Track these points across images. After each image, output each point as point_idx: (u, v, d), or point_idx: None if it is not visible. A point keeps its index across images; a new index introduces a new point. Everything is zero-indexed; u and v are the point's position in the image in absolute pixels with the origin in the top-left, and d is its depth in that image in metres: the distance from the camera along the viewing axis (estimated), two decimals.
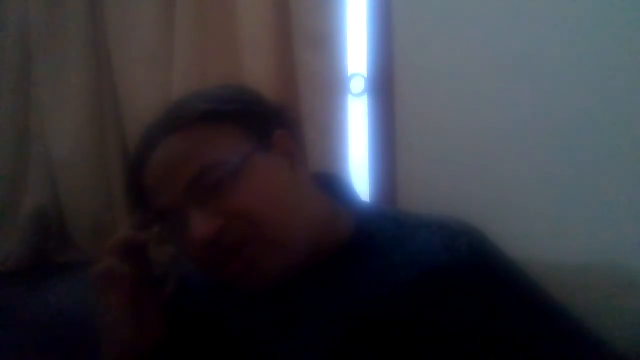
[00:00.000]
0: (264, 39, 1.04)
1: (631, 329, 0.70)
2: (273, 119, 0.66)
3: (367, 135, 1.09)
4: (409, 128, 1.06)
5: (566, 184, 0.94)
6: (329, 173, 0.75)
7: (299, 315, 0.63)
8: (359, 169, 1.09)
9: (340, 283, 0.63)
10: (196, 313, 0.70)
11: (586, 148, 0.92)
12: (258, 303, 0.66)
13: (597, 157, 0.92)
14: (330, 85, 1.02)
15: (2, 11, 1.22)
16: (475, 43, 1.01)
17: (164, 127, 0.62)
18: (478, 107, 1.01)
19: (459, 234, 0.64)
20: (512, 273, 0.64)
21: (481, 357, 0.59)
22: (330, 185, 0.71)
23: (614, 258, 0.84)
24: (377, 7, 1.07)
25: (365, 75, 1.09)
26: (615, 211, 0.90)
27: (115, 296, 0.61)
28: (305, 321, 0.63)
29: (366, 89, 1.09)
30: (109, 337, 0.62)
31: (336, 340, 0.61)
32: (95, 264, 0.63)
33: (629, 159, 0.89)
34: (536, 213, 0.95)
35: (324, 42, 1.01)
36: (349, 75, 1.06)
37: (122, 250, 0.63)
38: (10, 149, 1.23)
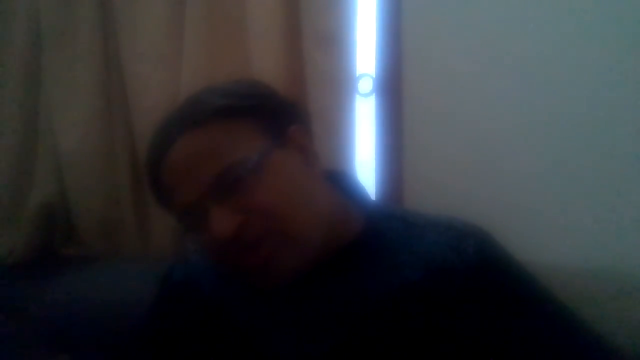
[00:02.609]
0: (273, 37, 1.04)
1: (633, 332, 0.70)
2: (288, 114, 0.66)
3: (375, 135, 1.09)
4: (416, 128, 1.06)
5: (571, 187, 0.94)
6: (339, 171, 0.75)
7: (306, 310, 0.64)
8: (366, 169, 1.09)
9: (347, 280, 0.64)
10: (204, 306, 0.70)
11: (591, 151, 0.93)
12: (266, 297, 0.66)
13: (601, 161, 0.92)
14: (339, 85, 1.02)
15: (13, 6, 1.23)
16: (483, 44, 1.01)
17: (181, 122, 0.62)
18: (485, 108, 1.01)
19: (467, 235, 0.65)
20: (518, 275, 0.65)
21: (486, 358, 0.59)
22: (340, 183, 0.72)
23: (617, 261, 0.84)
24: (387, 8, 1.07)
25: (374, 76, 1.09)
26: (619, 215, 0.90)
27: None
28: (312, 316, 0.63)
29: (374, 90, 1.09)
30: None
31: (341, 336, 0.61)
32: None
33: (633, 162, 0.89)
34: (541, 215, 0.95)
35: (333, 41, 1.02)
36: (357, 75, 1.07)
37: None
38: (18, 143, 1.23)
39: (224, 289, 0.70)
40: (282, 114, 0.66)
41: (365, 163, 1.09)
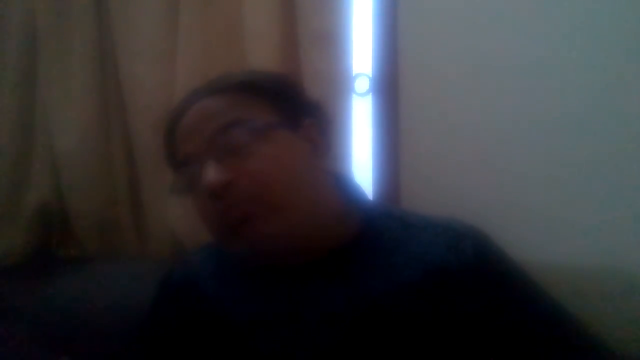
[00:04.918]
0: (269, 36, 1.04)
1: (631, 332, 0.70)
2: (307, 109, 0.69)
3: (371, 134, 1.09)
4: (413, 128, 1.06)
5: (568, 186, 0.94)
6: (339, 172, 0.76)
7: (304, 308, 0.64)
8: (362, 169, 1.09)
9: (345, 279, 0.64)
10: (203, 306, 0.70)
11: (588, 151, 0.93)
12: (263, 295, 0.67)
13: (598, 160, 0.92)
14: (335, 85, 1.02)
15: (8, 6, 1.22)
16: (480, 43, 1.01)
17: (206, 89, 0.66)
18: (482, 107, 1.01)
19: (464, 236, 0.65)
20: (515, 276, 0.65)
21: (484, 357, 0.59)
22: (339, 183, 0.72)
23: (617, 261, 0.84)
24: (383, 7, 1.07)
25: (370, 75, 1.09)
26: (617, 214, 0.90)
27: None
28: (310, 315, 0.63)
29: (371, 89, 1.09)
30: None
31: (339, 336, 0.61)
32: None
33: (631, 161, 0.89)
34: (538, 215, 0.95)
35: (330, 40, 1.01)
36: (353, 74, 1.06)
37: None
38: (14, 143, 1.23)
39: (223, 289, 0.70)
40: (302, 106, 0.68)
41: (362, 162, 1.09)
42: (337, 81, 1.02)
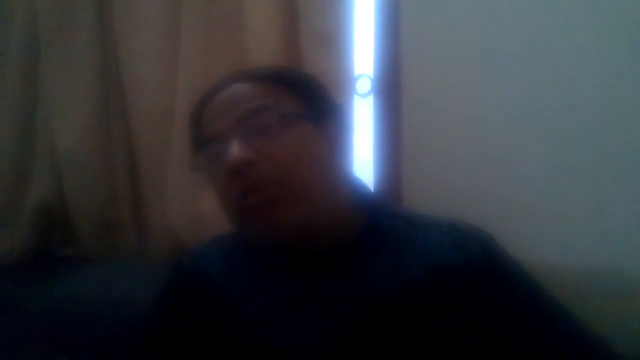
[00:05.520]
0: (271, 37, 1.04)
1: (631, 332, 0.70)
2: (331, 110, 0.70)
3: (373, 136, 1.09)
4: (414, 129, 1.06)
5: (569, 186, 0.94)
6: (349, 171, 0.77)
7: (310, 303, 0.64)
8: (364, 170, 1.09)
9: (351, 276, 0.64)
10: (212, 296, 0.71)
11: (590, 150, 0.93)
12: (270, 288, 0.67)
13: (600, 160, 0.92)
14: (337, 85, 1.02)
15: (11, 5, 1.23)
16: (482, 43, 1.01)
17: (239, 75, 0.68)
18: (484, 108, 1.01)
19: (470, 236, 0.65)
20: (520, 276, 0.65)
21: (487, 357, 0.59)
22: (350, 182, 0.72)
23: (617, 261, 0.84)
24: (385, 8, 1.07)
25: (372, 76, 1.09)
26: (619, 215, 0.90)
27: None
28: (315, 309, 0.63)
29: (373, 90, 1.09)
30: None
31: (344, 331, 0.61)
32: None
33: (632, 161, 0.90)
34: (539, 214, 0.95)
35: (332, 41, 1.01)
36: (355, 75, 1.06)
37: None
38: (16, 142, 1.23)
39: (231, 281, 0.71)
40: (327, 106, 0.69)
41: (363, 163, 1.09)
42: (339, 82, 1.02)
